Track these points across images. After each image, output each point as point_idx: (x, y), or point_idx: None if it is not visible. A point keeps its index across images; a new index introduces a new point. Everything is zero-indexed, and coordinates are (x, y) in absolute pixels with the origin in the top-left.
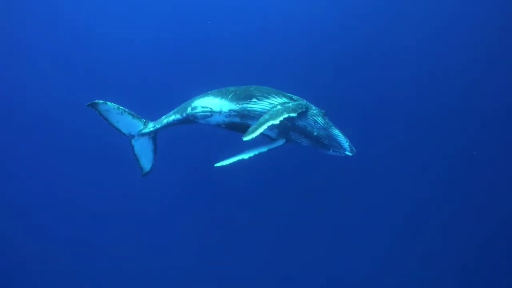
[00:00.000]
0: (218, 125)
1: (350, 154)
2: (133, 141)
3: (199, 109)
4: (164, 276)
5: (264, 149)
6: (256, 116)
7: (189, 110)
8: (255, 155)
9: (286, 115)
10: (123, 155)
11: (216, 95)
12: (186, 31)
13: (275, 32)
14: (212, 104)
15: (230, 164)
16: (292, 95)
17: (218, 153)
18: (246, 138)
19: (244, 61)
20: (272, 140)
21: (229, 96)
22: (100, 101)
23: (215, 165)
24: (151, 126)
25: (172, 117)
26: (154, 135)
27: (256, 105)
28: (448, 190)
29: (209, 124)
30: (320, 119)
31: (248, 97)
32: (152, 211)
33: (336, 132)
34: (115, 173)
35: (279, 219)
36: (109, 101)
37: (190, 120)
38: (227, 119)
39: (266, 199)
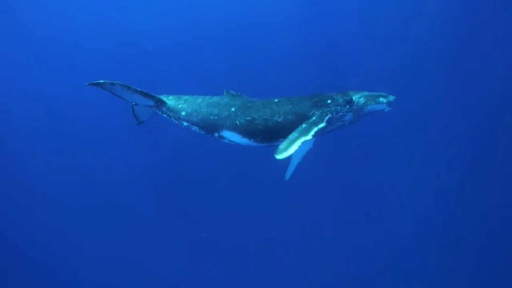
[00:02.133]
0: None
1: (388, 109)
2: (135, 107)
3: (226, 140)
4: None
5: (310, 144)
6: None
7: (216, 136)
8: (305, 154)
9: (315, 129)
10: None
11: (244, 134)
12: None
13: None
14: (240, 141)
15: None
16: (314, 104)
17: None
18: (279, 156)
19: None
20: None
21: (258, 139)
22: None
23: (286, 179)
24: (163, 111)
25: (194, 127)
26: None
27: (281, 141)
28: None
29: (232, 142)
30: (347, 116)
31: (275, 138)
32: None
33: (369, 108)
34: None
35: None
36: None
37: (213, 138)
38: (256, 144)
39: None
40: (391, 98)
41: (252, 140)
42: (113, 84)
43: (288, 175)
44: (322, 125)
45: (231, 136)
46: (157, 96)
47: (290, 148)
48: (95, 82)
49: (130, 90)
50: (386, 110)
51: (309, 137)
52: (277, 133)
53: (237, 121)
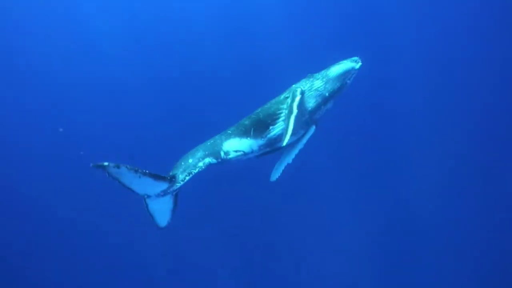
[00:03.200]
0: (249, 159)
1: (359, 66)
2: (148, 200)
3: (232, 154)
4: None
5: (301, 145)
6: (281, 138)
7: (222, 155)
8: (296, 155)
9: (296, 103)
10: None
11: (240, 135)
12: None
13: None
14: (241, 146)
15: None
16: (284, 94)
17: None
18: (284, 143)
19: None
20: (303, 134)
21: (252, 133)
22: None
23: (271, 180)
24: (180, 180)
25: (206, 160)
26: (177, 193)
27: (276, 130)
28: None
29: (240, 161)
30: (316, 84)
31: (266, 127)
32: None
33: (335, 71)
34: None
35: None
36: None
37: (221, 163)
38: (258, 153)
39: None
40: (354, 58)
41: (252, 138)
42: (118, 167)
43: (274, 176)
44: (298, 96)
45: (233, 145)
46: (168, 175)
47: (287, 131)
48: (100, 163)
49: (138, 173)
50: (356, 67)
51: (294, 110)
52: (267, 125)
53: (229, 131)
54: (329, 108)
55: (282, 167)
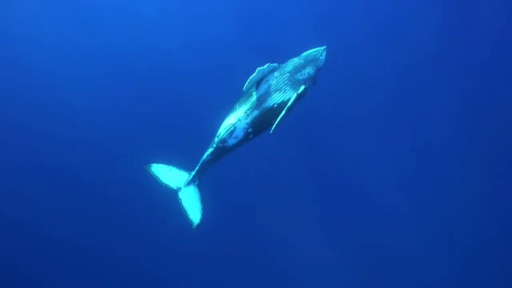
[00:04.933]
0: (247, 135)
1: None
2: (180, 195)
3: (223, 132)
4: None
5: (291, 103)
6: (268, 94)
7: (216, 139)
8: (291, 110)
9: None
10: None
11: (228, 115)
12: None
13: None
14: (229, 121)
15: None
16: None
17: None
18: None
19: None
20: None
21: (237, 107)
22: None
23: (271, 132)
24: (193, 172)
25: (205, 153)
26: (198, 181)
27: (258, 92)
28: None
29: (238, 139)
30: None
31: (249, 95)
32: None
33: (307, 52)
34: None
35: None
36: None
37: (222, 148)
38: (248, 119)
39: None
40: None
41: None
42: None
43: (274, 127)
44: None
45: (223, 125)
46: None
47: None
48: (148, 166)
49: (169, 167)
50: (322, 49)
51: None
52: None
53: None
54: (311, 74)
55: (279, 120)
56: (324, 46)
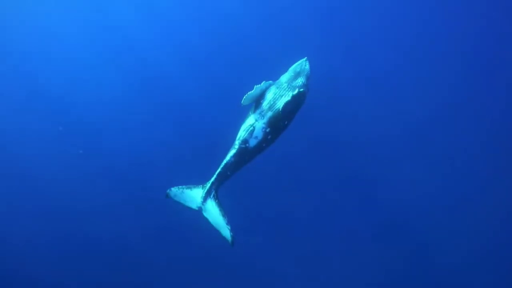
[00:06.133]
0: (266, 135)
1: (308, 67)
2: (204, 214)
3: (243, 133)
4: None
5: (288, 99)
6: (274, 99)
7: (237, 142)
8: (288, 108)
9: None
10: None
11: (245, 119)
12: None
13: None
14: (248, 122)
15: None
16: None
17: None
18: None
19: None
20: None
21: (251, 112)
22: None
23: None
24: (208, 183)
25: (227, 156)
26: (214, 192)
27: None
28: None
29: (258, 139)
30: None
31: (257, 103)
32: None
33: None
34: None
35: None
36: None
37: (244, 149)
38: (265, 119)
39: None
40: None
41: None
42: (172, 191)
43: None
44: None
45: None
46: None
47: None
48: (168, 194)
49: (180, 189)
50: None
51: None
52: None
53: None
54: (304, 82)
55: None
56: (305, 57)
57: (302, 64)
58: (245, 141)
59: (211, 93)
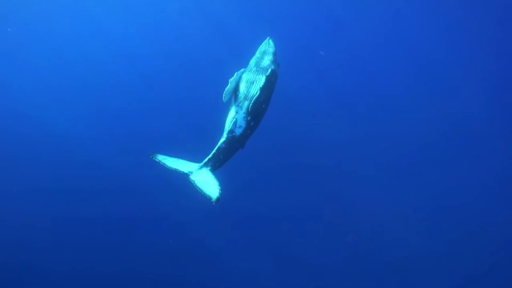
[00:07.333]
0: (248, 122)
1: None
2: (191, 177)
3: (228, 125)
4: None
5: (263, 83)
6: (247, 88)
7: (224, 133)
8: (265, 90)
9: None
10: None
11: (227, 113)
12: None
13: None
14: (230, 115)
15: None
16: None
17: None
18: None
19: None
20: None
21: (231, 105)
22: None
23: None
24: (205, 159)
25: (219, 142)
26: (210, 168)
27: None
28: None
29: (242, 127)
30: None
31: (234, 96)
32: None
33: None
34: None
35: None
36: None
37: (232, 138)
38: (244, 109)
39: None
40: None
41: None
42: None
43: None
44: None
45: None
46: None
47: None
48: (154, 155)
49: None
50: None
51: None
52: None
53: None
54: (272, 59)
55: (255, 97)
56: (268, 37)
57: (266, 44)
58: (231, 131)
59: (201, 90)
